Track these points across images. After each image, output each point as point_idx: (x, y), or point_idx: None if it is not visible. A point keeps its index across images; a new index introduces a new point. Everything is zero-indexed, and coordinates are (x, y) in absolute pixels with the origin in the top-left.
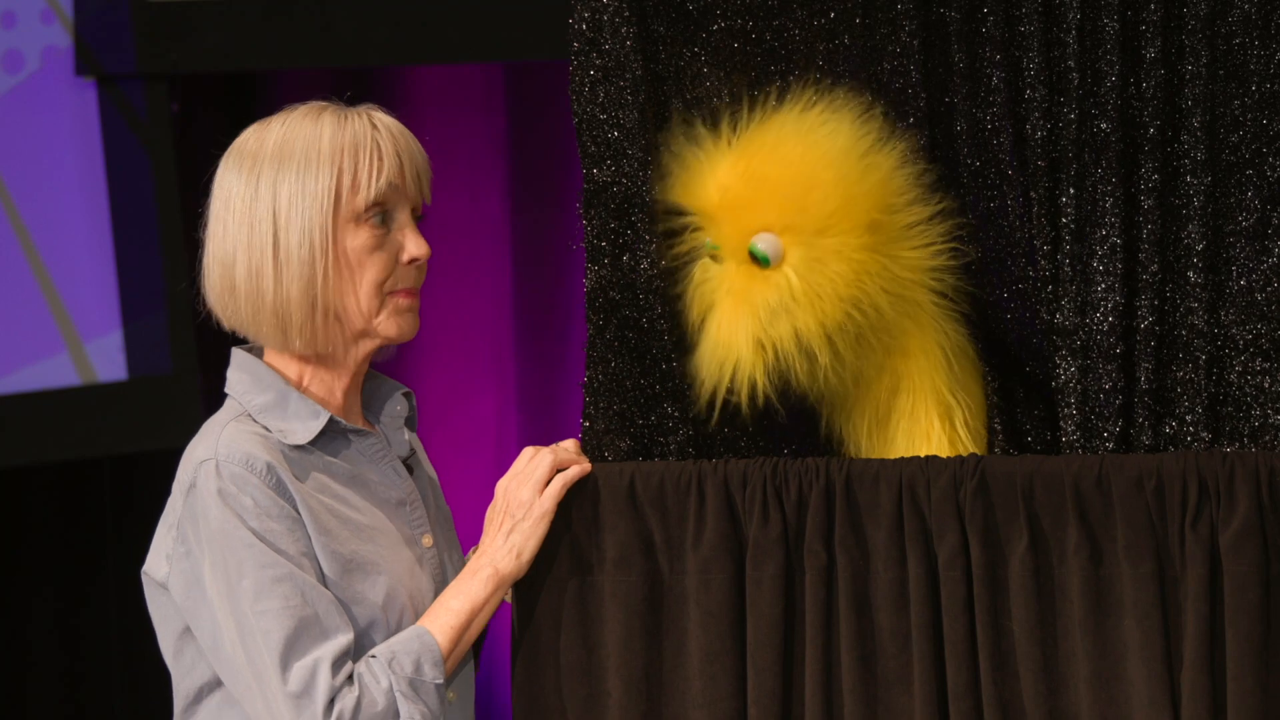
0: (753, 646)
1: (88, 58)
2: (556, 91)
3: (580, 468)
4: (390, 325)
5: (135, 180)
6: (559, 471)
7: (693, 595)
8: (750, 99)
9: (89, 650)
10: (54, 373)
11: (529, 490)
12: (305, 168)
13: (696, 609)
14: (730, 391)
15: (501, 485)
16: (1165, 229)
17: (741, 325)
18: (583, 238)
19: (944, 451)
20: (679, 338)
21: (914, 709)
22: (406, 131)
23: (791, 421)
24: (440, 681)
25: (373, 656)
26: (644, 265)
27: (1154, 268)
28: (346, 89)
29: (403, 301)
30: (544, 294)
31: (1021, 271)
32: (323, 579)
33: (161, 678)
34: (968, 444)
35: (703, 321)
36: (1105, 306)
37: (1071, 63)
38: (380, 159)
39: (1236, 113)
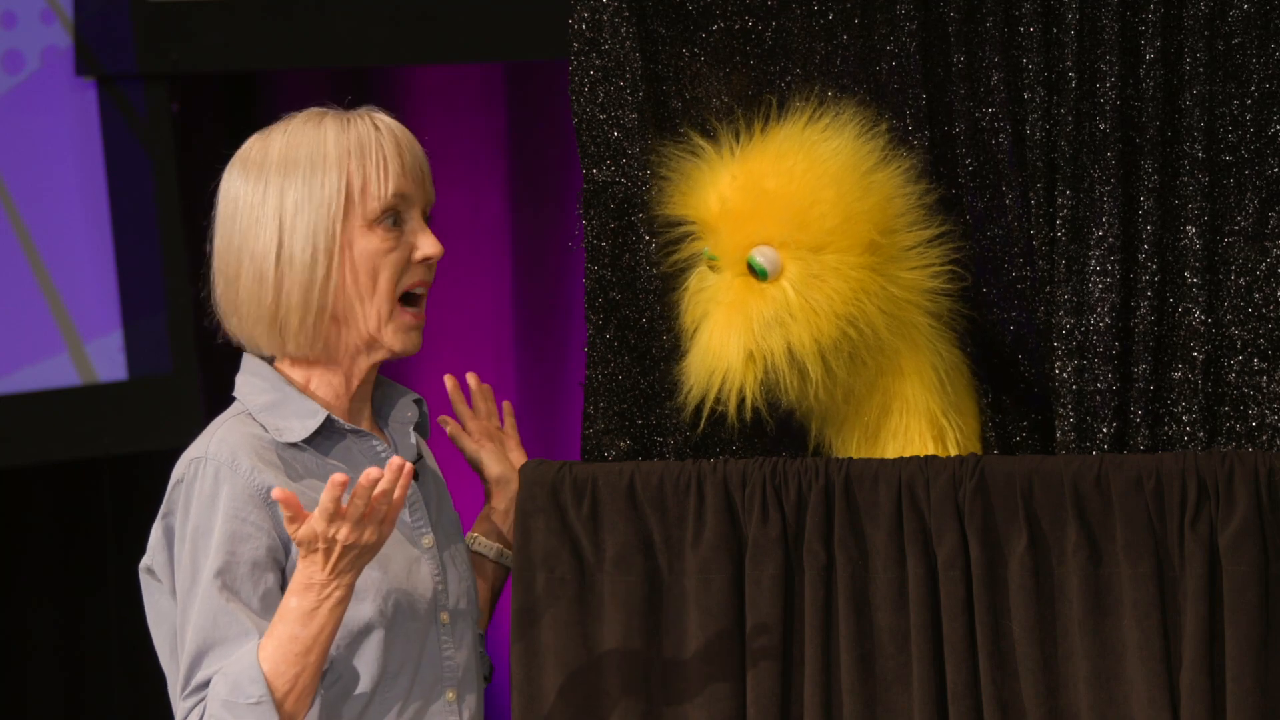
0: (752, 647)
1: (88, 58)
2: (556, 91)
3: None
4: (396, 340)
5: (135, 180)
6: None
7: (692, 595)
8: (753, 110)
9: (89, 650)
10: (54, 373)
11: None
12: (311, 172)
13: (696, 609)
14: (718, 400)
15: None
16: (1163, 229)
17: (734, 336)
18: (583, 238)
19: None
20: (677, 341)
21: (913, 709)
22: (407, 131)
23: (783, 434)
24: (256, 700)
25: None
26: (644, 265)
27: (1152, 268)
28: (346, 89)
29: (409, 320)
30: (544, 294)
31: (1019, 271)
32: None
33: (162, 678)
34: None
35: (695, 329)
36: (1103, 306)
37: (1070, 63)
38: (387, 162)
39: (1236, 113)
